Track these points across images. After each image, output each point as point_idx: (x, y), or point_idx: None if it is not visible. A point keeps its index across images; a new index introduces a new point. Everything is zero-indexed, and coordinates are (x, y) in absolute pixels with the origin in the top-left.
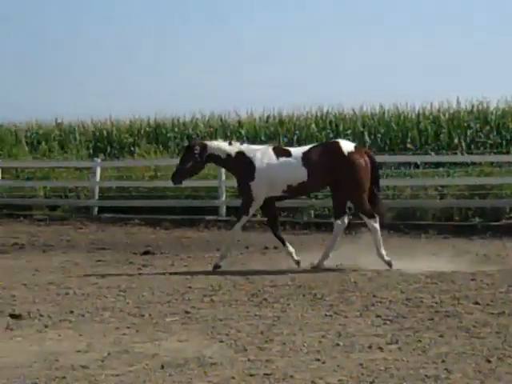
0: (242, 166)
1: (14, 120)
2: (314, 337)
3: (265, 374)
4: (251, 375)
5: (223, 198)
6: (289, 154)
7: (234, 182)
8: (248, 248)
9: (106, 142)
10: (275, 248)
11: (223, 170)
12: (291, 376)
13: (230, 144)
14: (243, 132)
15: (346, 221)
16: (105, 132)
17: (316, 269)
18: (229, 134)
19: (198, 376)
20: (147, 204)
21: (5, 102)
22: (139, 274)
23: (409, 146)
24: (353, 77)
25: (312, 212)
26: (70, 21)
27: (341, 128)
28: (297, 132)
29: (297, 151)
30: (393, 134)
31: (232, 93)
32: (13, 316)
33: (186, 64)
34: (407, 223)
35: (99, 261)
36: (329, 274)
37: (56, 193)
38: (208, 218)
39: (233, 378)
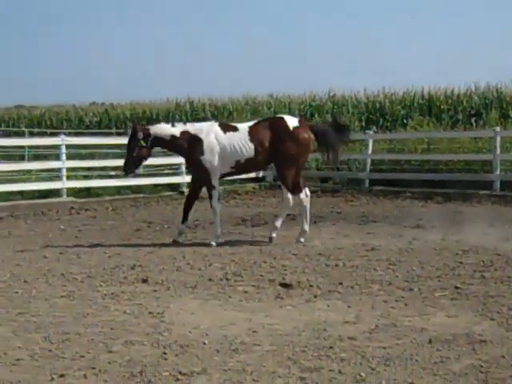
0: (189, 144)
1: (288, 92)
2: None
3: None
4: None
5: (497, 172)
6: (235, 130)
7: (509, 156)
8: None
9: (379, 114)
10: None
11: (498, 143)
12: None
13: (173, 126)
14: None
15: (308, 192)
16: (377, 104)
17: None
18: (504, 106)
19: (466, 353)
20: (419, 177)
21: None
22: (410, 247)
23: None
24: None
25: None
26: None
27: None
28: None
29: (243, 126)
30: None
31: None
32: (283, 285)
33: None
34: None
35: (369, 233)
36: None
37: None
38: (481, 192)
39: (503, 357)
